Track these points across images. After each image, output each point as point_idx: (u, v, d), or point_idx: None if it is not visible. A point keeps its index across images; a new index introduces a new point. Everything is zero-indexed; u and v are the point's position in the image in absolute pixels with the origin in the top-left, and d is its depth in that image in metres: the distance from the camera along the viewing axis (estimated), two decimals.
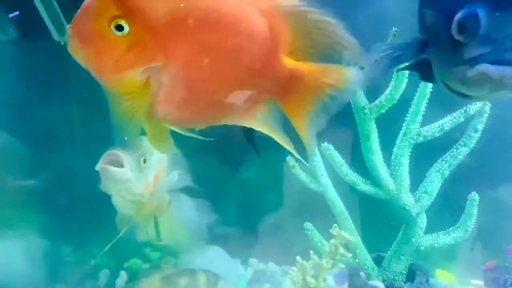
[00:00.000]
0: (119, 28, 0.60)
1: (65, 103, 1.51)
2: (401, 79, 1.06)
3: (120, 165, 0.92)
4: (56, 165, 1.50)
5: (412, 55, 0.79)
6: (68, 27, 0.61)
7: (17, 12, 1.22)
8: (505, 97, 0.69)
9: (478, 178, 1.31)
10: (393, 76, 1.08)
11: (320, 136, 0.69)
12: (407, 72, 1.05)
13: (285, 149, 0.70)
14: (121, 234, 1.08)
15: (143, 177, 0.96)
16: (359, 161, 1.22)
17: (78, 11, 0.61)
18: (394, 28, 0.95)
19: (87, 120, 1.53)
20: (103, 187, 0.95)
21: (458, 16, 0.63)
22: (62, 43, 1.21)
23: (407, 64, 0.84)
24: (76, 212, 1.56)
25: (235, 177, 1.66)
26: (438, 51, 0.72)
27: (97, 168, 0.92)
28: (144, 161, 0.96)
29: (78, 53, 0.62)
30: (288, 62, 0.65)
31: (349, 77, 0.66)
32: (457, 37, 0.64)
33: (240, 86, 0.65)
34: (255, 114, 0.69)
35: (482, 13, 0.61)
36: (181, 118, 0.66)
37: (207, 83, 0.63)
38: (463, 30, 0.62)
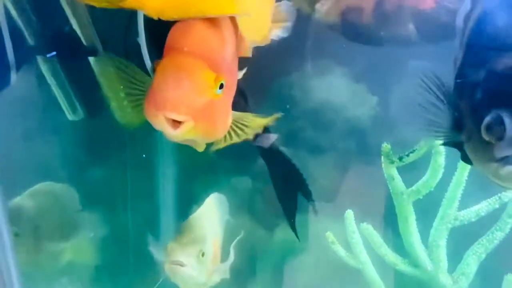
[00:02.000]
0: (221, 86, 0.66)
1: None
2: (437, 169, 1.14)
3: (182, 264, 1.01)
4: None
5: (448, 126, 0.84)
6: (162, 117, 0.62)
7: (54, 53, 1.25)
8: None
9: None
10: (431, 162, 1.15)
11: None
12: (443, 161, 1.13)
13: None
14: None
15: (204, 267, 1.04)
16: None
17: (173, 94, 0.61)
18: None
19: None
20: (172, 279, 1.05)
21: (486, 120, 0.70)
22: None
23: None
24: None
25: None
26: (471, 143, 0.78)
27: (166, 269, 1.02)
28: (203, 254, 1.04)
29: (192, 132, 0.64)
30: None
31: None
32: (486, 138, 0.71)
33: None
34: None
35: (507, 119, 0.68)
36: None
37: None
38: (490, 133, 0.69)
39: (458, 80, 0.84)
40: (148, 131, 1.69)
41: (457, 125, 0.82)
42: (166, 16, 0.69)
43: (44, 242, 1.31)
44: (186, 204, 1.88)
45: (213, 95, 0.64)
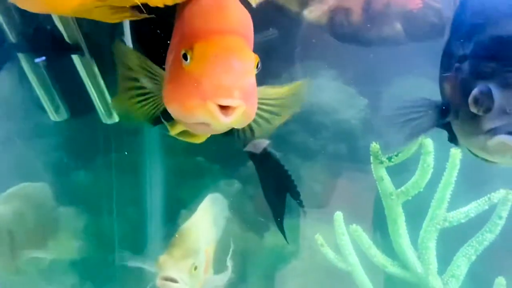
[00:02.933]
0: (257, 66, 0.63)
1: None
2: (426, 169, 1.13)
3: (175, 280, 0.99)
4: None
5: (434, 122, 0.85)
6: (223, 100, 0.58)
7: (43, 58, 1.21)
8: None
9: (506, 261, 1.33)
10: (420, 162, 1.14)
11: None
12: (432, 161, 1.12)
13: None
14: None
15: (196, 281, 1.02)
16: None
17: (226, 79, 0.58)
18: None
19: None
20: None
21: (474, 92, 0.70)
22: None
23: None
24: None
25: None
26: (458, 120, 0.78)
27: (157, 284, 1.00)
28: (195, 268, 1.02)
29: (240, 117, 0.61)
30: None
31: None
32: (474, 110, 0.70)
33: None
34: None
35: (495, 90, 0.68)
36: None
37: None
38: (478, 106, 0.69)
39: (445, 59, 0.85)
40: (134, 133, 1.67)
41: (443, 107, 0.83)
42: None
43: (22, 247, 1.27)
44: (174, 209, 1.85)
45: (254, 75, 0.63)
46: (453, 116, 0.80)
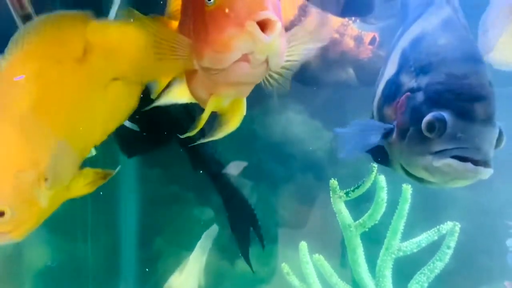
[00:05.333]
0: None
1: None
2: (380, 203, 1.22)
3: None
4: None
5: (377, 140, 0.95)
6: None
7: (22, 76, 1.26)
8: (456, 185, 0.84)
9: (461, 282, 1.44)
10: (375, 197, 1.24)
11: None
12: (385, 195, 1.22)
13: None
14: None
15: None
16: None
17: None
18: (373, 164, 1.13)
19: None
20: None
21: (428, 118, 0.80)
22: None
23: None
24: None
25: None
26: (405, 140, 0.88)
27: None
28: None
29: (277, 43, 0.61)
30: None
31: None
32: (426, 134, 0.80)
33: None
34: None
35: (448, 117, 0.78)
36: None
37: None
38: (432, 129, 0.79)
39: (390, 89, 0.96)
40: (111, 160, 1.72)
41: (387, 129, 0.94)
42: None
43: None
44: (148, 236, 1.90)
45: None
46: (397, 137, 0.89)
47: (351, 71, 1.34)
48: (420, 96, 0.86)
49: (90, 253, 1.79)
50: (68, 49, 0.80)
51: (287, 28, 1.26)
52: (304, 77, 1.39)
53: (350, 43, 1.30)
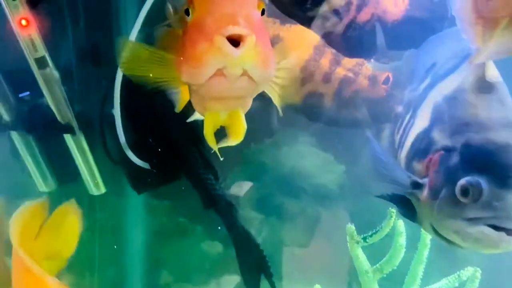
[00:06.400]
0: (263, 12, 0.60)
1: None
2: (399, 249, 1.19)
3: None
4: None
5: (404, 191, 0.91)
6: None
7: (27, 92, 1.25)
8: (486, 252, 0.80)
9: None
10: (393, 242, 1.21)
11: None
12: (404, 241, 1.18)
13: None
14: None
15: None
16: None
17: (229, 7, 0.56)
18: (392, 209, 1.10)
19: None
20: None
21: (463, 182, 0.76)
22: None
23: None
24: None
25: None
26: (434, 200, 0.83)
27: None
28: None
29: (252, 55, 0.58)
30: None
31: None
32: (460, 198, 0.76)
33: None
34: None
35: (485, 185, 0.74)
36: None
37: None
38: (466, 194, 0.75)
39: (421, 142, 0.92)
40: (118, 195, 1.69)
41: (417, 183, 0.88)
42: None
43: None
44: (156, 269, 1.86)
45: (259, 12, 0.60)
46: (429, 195, 0.85)
47: (364, 109, 1.32)
48: (455, 157, 0.82)
49: (97, 286, 1.76)
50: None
51: (302, 67, 1.27)
52: (317, 115, 1.37)
53: (364, 82, 1.29)
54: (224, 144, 0.75)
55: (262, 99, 1.47)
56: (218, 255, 1.77)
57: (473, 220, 0.77)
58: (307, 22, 1.06)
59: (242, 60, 0.57)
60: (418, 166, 0.91)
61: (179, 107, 0.85)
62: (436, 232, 0.87)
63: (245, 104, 0.72)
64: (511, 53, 0.78)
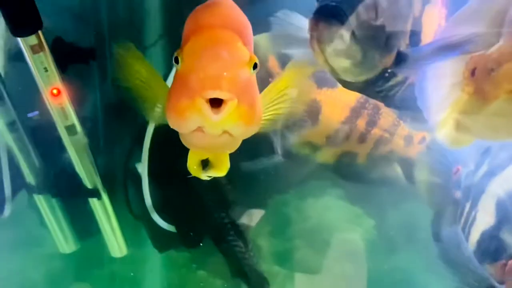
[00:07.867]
0: (255, 66, 0.58)
1: None
2: None
3: None
4: None
5: None
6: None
7: (36, 112, 1.21)
8: None
9: None
10: None
11: None
12: None
13: None
14: None
15: None
16: None
17: (212, 69, 0.54)
18: None
19: None
20: None
21: None
22: None
23: None
24: None
25: None
26: None
27: None
28: None
29: (235, 116, 0.56)
30: None
31: None
32: None
33: None
34: None
35: None
36: None
37: None
38: None
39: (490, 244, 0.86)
40: (137, 249, 1.64)
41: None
42: None
43: None
44: None
45: (249, 73, 0.57)
46: None
47: (398, 168, 1.28)
48: None
49: None
50: None
51: (338, 129, 1.23)
52: (348, 173, 1.33)
53: (400, 142, 1.25)
54: (208, 174, 0.73)
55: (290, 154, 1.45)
56: None
57: None
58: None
59: (221, 123, 0.56)
60: (490, 269, 0.85)
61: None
62: None
63: (231, 148, 0.69)
64: None
